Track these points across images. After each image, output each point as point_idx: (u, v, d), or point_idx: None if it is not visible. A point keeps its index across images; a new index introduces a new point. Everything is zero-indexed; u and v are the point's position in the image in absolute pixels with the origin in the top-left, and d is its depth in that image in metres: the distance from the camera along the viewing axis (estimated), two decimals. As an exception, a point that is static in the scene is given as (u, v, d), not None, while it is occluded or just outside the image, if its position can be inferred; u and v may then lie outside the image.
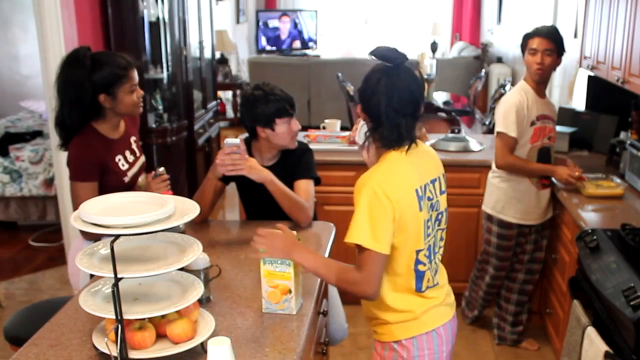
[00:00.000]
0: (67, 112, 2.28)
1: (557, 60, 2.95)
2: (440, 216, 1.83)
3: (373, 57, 1.72)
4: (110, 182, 2.33)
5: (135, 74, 2.34)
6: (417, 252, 1.75)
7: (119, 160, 2.39)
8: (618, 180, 3.01)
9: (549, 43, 2.89)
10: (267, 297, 1.79)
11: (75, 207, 2.30)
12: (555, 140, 3.13)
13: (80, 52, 2.28)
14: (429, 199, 1.77)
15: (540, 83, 3.00)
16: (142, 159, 2.55)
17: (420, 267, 1.76)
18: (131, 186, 2.41)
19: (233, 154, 2.25)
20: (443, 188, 1.85)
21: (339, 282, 1.76)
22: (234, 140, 2.26)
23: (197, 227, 2.45)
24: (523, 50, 2.99)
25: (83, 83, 2.23)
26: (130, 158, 2.45)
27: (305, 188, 2.44)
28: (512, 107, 2.94)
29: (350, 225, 1.69)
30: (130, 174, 2.43)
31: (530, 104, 2.97)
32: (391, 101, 1.68)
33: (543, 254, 3.22)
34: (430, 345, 1.81)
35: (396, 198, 1.66)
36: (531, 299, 3.34)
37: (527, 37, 2.97)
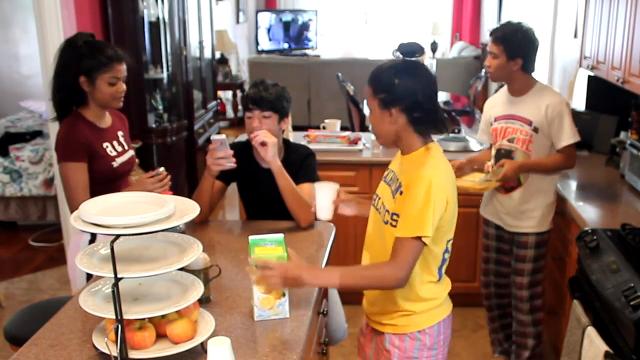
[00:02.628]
0: (53, 88, 2.39)
1: (508, 63, 2.68)
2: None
3: (399, 54, 1.80)
4: (98, 167, 2.36)
5: (121, 68, 2.38)
6: (448, 241, 1.87)
7: (107, 146, 2.43)
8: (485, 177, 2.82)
9: (494, 46, 2.71)
10: (260, 305, 1.75)
11: (66, 189, 2.34)
12: (528, 145, 2.74)
13: (79, 36, 2.40)
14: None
15: (507, 83, 2.82)
16: (132, 152, 2.57)
17: (446, 255, 1.90)
18: (120, 174, 2.44)
19: (217, 151, 2.31)
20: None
21: (374, 284, 1.83)
22: (218, 136, 2.32)
23: (197, 227, 2.44)
24: None
25: (69, 63, 2.34)
26: (119, 148, 2.48)
27: (308, 191, 2.44)
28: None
29: (408, 218, 1.74)
30: (118, 160, 2.45)
31: (495, 104, 2.89)
32: (427, 88, 1.82)
33: (523, 280, 2.86)
34: (447, 328, 1.94)
35: (449, 193, 1.79)
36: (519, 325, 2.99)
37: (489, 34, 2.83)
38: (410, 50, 1.92)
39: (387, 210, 1.85)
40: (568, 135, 2.71)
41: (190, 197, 1.71)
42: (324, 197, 2.09)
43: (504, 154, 2.79)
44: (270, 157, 2.32)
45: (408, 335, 1.89)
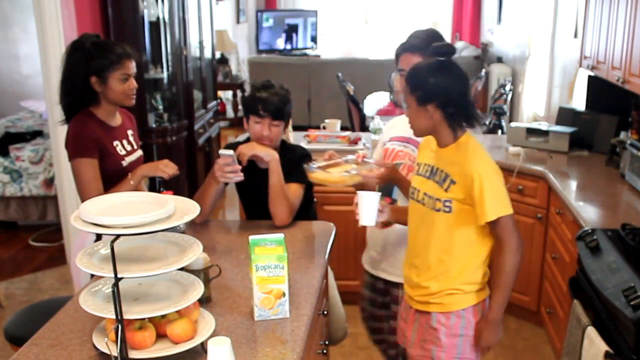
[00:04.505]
0: (62, 91, 2.39)
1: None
2: None
3: (433, 55, 1.96)
4: (108, 165, 2.37)
5: (131, 65, 2.40)
6: None
7: (117, 145, 2.44)
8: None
9: (412, 56, 2.23)
10: (259, 304, 1.75)
11: (79, 186, 2.34)
12: (408, 174, 2.24)
13: (84, 37, 2.40)
14: None
15: None
16: (140, 152, 2.58)
17: None
18: (129, 173, 2.44)
19: (226, 166, 2.30)
20: None
21: (511, 280, 1.93)
22: (227, 152, 2.32)
23: (197, 227, 2.44)
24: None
25: (78, 65, 2.34)
26: (128, 147, 2.50)
27: (295, 190, 2.44)
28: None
29: (483, 204, 1.87)
30: (128, 159, 2.46)
31: (397, 124, 2.48)
32: (459, 86, 1.91)
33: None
34: (485, 309, 2.03)
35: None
36: None
37: (397, 53, 2.31)
38: (443, 51, 1.93)
39: (438, 199, 1.94)
40: None
41: (191, 198, 1.71)
42: (369, 204, 2.06)
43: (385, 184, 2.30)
44: (267, 155, 2.35)
45: (454, 313, 2.00)
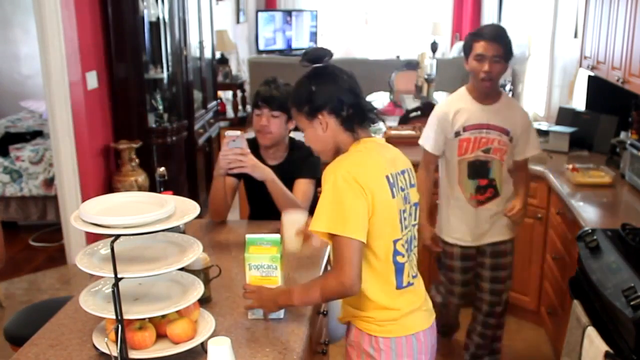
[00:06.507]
0: None
1: (504, 67, 2.59)
2: (412, 209, 1.81)
3: (305, 63, 1.79)
4: None
5: None
6: (395, 242, 1.72)
7: None
8: (610, 171, 3.08)
9: (497, 47, 2.52)
10: None
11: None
12: (503, 155, 2.69)
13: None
14: (402, 189, 1.77)
15: (486, 90, 2.66)
16: None
17: (399, 259, 1.73)
18: None
19: (235, 148, 2.23)
20: (412, 181, 1.84)
21: (324, 295, 1.70)
22: (234, 132, 2.25)
23: (197, 227, 2.44)
24: (467, 53, 2.63)
25: None
26: None
27: (304, 189, 2.44)
28: (433, 119, 2.73)
29: (314, 215, 1.66)
30: None
31: (459, 113, 2.67)
32: (344, 84, 1.75)
33: (502, 287, 2.88)
34: (410, 350, 1.76)
35: (365, 182, 1.64)
36: (499, 331, 3.03)
37: (471, 39, 2.60)
38: (317, 56, 1.84)
39: None
40: (534, 146, 2.78)
41: (191, 198, 1.71)
42: (287, 227, 1.93)
43: (479, 166, 2.69)
44: (262, 176, 2.31)
45: (371, 337, 1.77)
